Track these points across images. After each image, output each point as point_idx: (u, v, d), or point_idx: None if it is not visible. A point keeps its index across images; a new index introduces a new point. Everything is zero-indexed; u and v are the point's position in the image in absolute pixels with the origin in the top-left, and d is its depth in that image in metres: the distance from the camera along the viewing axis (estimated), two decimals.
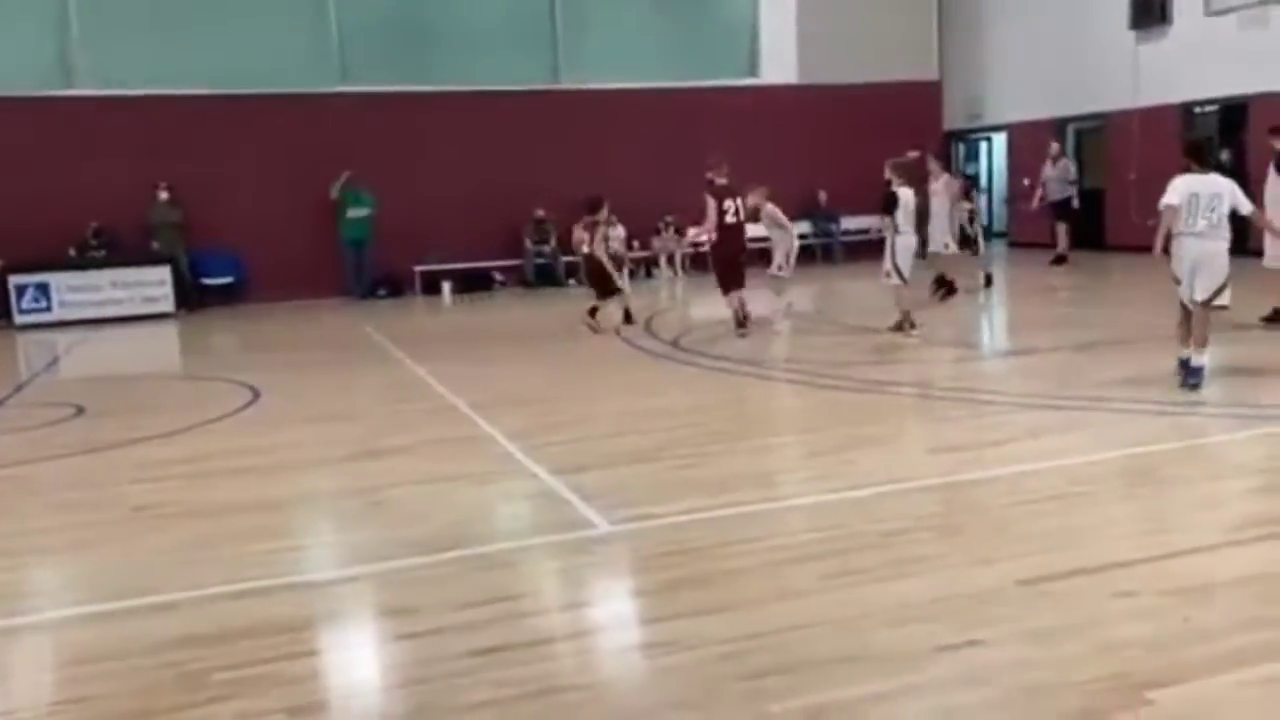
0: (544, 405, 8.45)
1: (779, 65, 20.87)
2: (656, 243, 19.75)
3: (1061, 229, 17.68)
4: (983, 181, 22.70)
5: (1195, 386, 7.47)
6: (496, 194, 18.67)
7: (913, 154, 13.34)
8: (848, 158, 18.93)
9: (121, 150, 16.97)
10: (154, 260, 16.91)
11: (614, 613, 4.34)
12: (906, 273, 10.90)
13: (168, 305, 16.75)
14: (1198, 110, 17.57)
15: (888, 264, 10.94)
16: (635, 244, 18.05)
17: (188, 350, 14.45)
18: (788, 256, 12.11)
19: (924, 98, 21.87)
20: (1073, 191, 17.70)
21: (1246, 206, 7.75)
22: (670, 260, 19.88)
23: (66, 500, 6.23)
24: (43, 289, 16.28)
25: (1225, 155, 15.68)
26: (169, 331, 15.74)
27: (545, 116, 19.22)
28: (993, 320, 13.67)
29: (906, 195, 10.95)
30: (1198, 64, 16.91)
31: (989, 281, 14.84)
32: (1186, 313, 7.65)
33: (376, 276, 18.47)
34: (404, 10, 18.85)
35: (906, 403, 8.13)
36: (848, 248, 20.60)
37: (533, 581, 4.67)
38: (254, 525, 5.51)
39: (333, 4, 18.48)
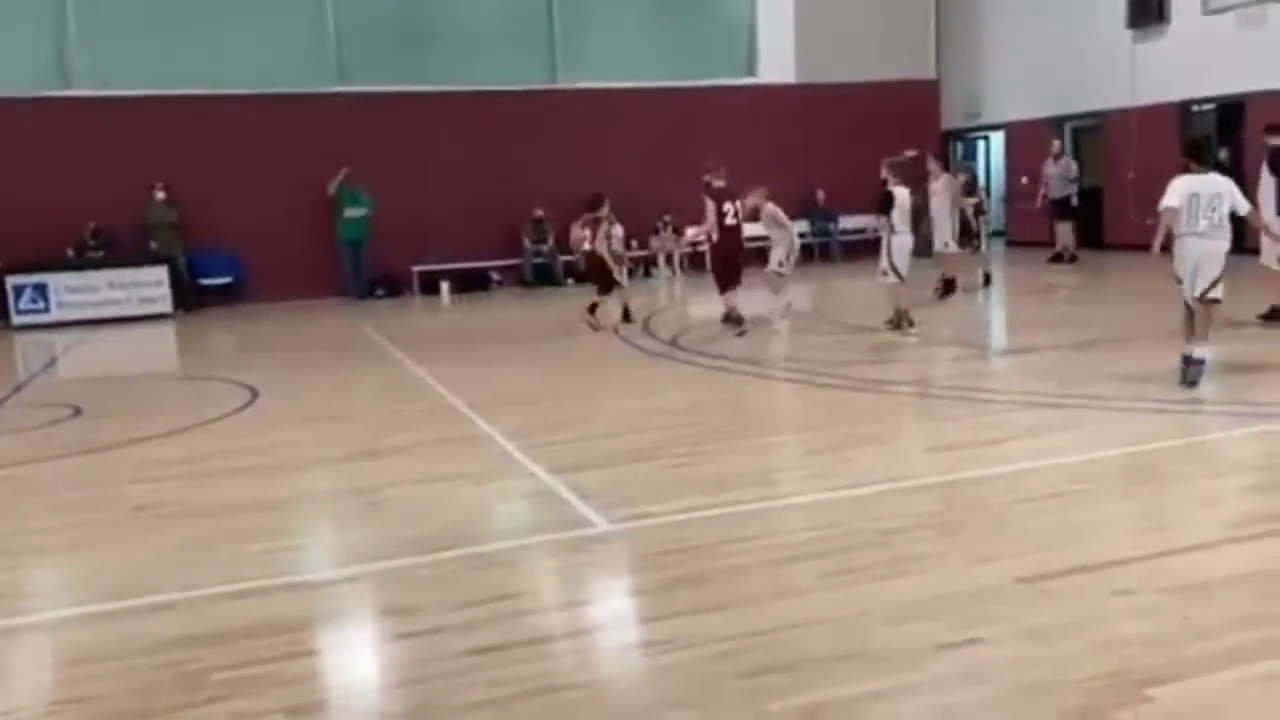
0: (542, 404, 8.45)
1: (777, 65, 20.88)
2: (655, 242, 19.75)
3: (1065, 227, 17.69)
4: (980, 180, 22.69)
5: (1195, 381, 7.48)
6: (495, 194, 18.67)
7: (911, 153, 13.35)
8: (846, 157, 18.91)
9: (119, 151, 16.96)
10: (152, 260, 16.91)
11: (612, 611, 4.34)
12: (903, 272, 10.96)
13: (165, 306, 16.74)
14: (1195, 109, 17.57)
15: (884, 263, 11.02)
16: (634, 243, 18.01)
17: (186, 350, 14.44)
18: (788, 255, 12.14)
19: (922, 97, 21.87)
20: (1073, 190, 17.72)
21: (1244, 206, 7.77)
22: (668, 259, 19.88)
23: (65, 500, 6.23)
24: (40, 290, 16.27)
25: (1223, 154, 15.69)
26: (167, 332, 15.73)
27: (543, 116, 19.21)
28: (991, 319, 13.68)
29: (902, 195, 11.01)
30: (1195, 63, 16.93)
31: (988, 280, 14.84)
32: (1189, 312, 7.66)
33: (375, 276, 18.46)
34: (401, 10, 18.84)
35: (905, 401, 8.13)
36: (846, 247, 20.60)
37: (531, 580, 4.66)
38: (253, 525, 5.50)
39: (330, 4, 18.47)
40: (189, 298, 17.38)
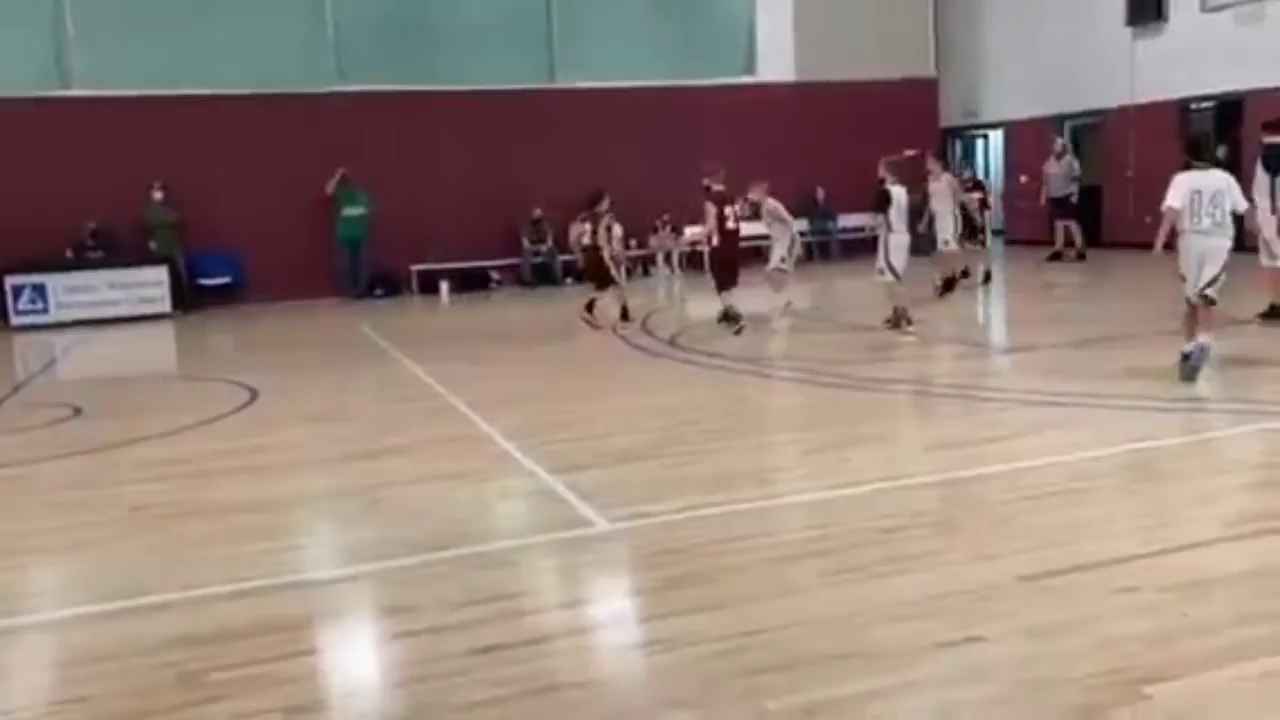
0: (542, 404, 8.45)
1: (776, 63, 20.87)
2: (653, 241, 19.74)
3: (1068, 226, 17.67)
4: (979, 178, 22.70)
5: (1197, 366, 7.47)
6: (493, 193, 18.65)
7: (910, 152, 13.36)
8: (845, 155, 18.87)
9: (118, 151, 16.94)
10: (151, 261, 16.90)
11: (612, 610, 4.34)
12: (900, 270, 10.98)
13: (165, 306, 16.73)
14: (1194, 107, 17.58)
15: (881, 262, 11.06)
16: (633, 242, 18.03)
17: (185, 350, 14.44)
18: (789, 251, 12.18)
19: (921, 95, 21.86)
20: (1074, 188, 17.71)
21: (1243, 204, 7.78)
22: (667, 258, 19.87)
23: (64, 500, 6.22)
24: (39, 290, 16.26)
25: (1222, 151, 15.68)
26: (166, 332, 15.72)
27: (542, 116, 19.20)
28: (991, 317, 13.68)
29: (899, 193, 11.04)
30: (1194, 61, 16.94)
31: (987, 278, 14.85)
32: (1192, 308, 7.66)
33: (373, 276, 18.45)
34: (400, 9, 18.84)
35: (904, 400, 8.13)
36: (845, 245, 20.59)
37: (531, 580, 4.66)
38: (252, 525, 5.50)
39: (329, 3, 18.47)
40: (188, 298, 17.36)
